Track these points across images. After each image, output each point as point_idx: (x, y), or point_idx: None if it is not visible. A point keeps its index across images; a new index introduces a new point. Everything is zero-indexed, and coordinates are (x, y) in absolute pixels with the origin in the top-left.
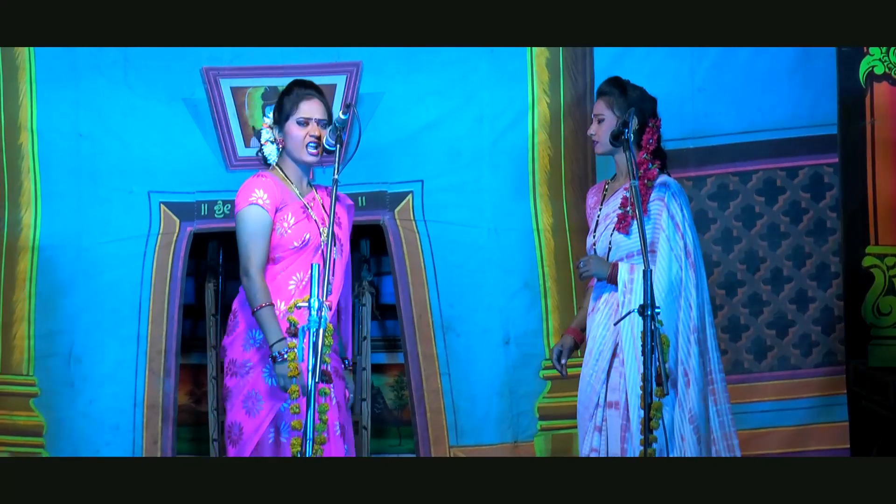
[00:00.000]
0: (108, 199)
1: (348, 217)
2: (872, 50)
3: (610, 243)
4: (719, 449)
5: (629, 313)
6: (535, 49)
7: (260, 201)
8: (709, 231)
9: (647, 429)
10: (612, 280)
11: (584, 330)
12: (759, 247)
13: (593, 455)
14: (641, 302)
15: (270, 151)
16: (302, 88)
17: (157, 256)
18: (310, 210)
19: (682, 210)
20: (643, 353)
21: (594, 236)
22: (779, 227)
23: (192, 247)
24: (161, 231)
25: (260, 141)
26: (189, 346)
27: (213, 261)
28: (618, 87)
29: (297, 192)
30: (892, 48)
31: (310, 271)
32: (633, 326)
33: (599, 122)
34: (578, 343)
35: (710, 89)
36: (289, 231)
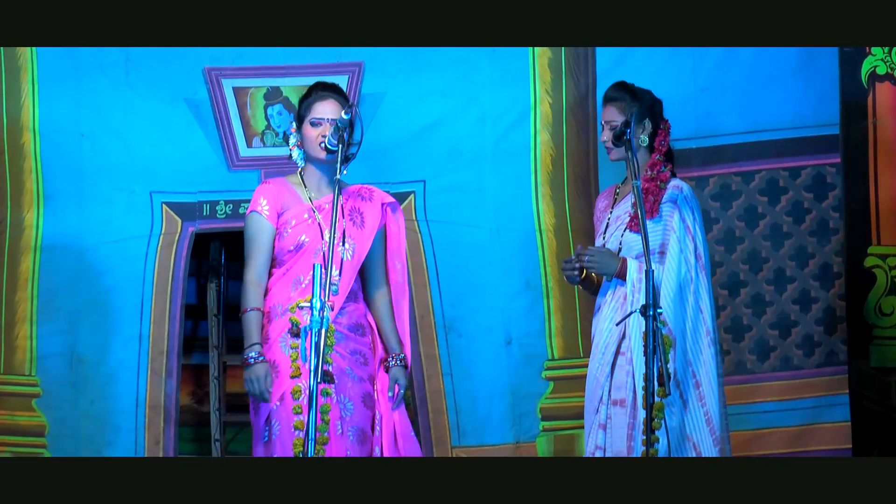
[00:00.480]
0: (109, 199)
1: (381, 216)
2: (875, 50)
3: (620, 243)
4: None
5: (631, 314)
6: (537, 49)
7: (259, 209)
8: (711, 231)
9: (648, 429)
10: (621, 276)
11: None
12: (761, 247)
13: (598, 453)
14: (651, 301)
15: (297, 155)
16: (320, 90)
17: (159, 257)
18: (316, 213)
19: (693, 213)
20: (645, 353)
21: (603, 237)
22: (781, 227)
23: (193, 247)
24: (163, 231)
25: (288, 145)
26: (191, 347)
27: (215, 261)
28: (628, 92)
29: (309, 195)
30: (895, 48)
31: (311, 273)
32: (641, 325)
33: (612, 128)
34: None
35: (712, 89)
36: (286, 235)
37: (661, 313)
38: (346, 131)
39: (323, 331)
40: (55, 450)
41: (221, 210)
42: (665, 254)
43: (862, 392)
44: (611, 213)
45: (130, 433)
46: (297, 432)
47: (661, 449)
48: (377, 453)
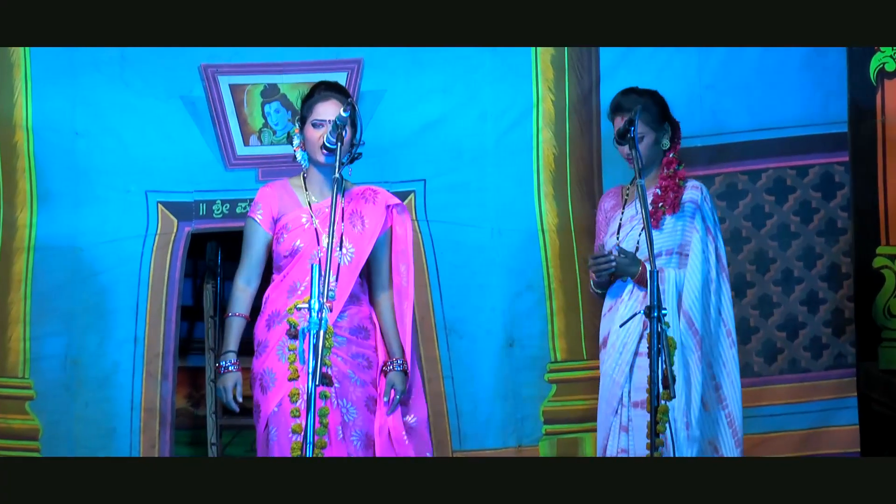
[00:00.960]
0: (104, 198)
1: (385, 219)
2: (883, 47)
3: (638, 242)
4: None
5: (634, 315)
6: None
7: (255, 215)
8: None
9: (653, 432)
10: (641, 282)
11: None
12: (768, 247)
13: (622, 455)
14: (674, 312)
15: (301, 157)
16: (322, 90)
17: (155, 257)
18: (313, 217)
19: (712, 214)
20: (649, 355)
21: (617, 237)
22: (789, 226)
23: (190, 247)
24: (158, 231)
25: (293, 146)
26: (187, 349)
27: (212, 261)
28: (650, 101)
29: (309, 198)
30: None
31: (308, 277)
32: (663, 326)
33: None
34: None
35: (718, 86)
36: (282, 240)
37: (665, 314)
38: (344, 129)
39: (321, 332)
40: (49, 453)
41: (218, 210)
42: (683, 254)
43: (870, 395)
44: (622, 212)
45: (125, 436)
46: (294, 436)
47: (667, 451)
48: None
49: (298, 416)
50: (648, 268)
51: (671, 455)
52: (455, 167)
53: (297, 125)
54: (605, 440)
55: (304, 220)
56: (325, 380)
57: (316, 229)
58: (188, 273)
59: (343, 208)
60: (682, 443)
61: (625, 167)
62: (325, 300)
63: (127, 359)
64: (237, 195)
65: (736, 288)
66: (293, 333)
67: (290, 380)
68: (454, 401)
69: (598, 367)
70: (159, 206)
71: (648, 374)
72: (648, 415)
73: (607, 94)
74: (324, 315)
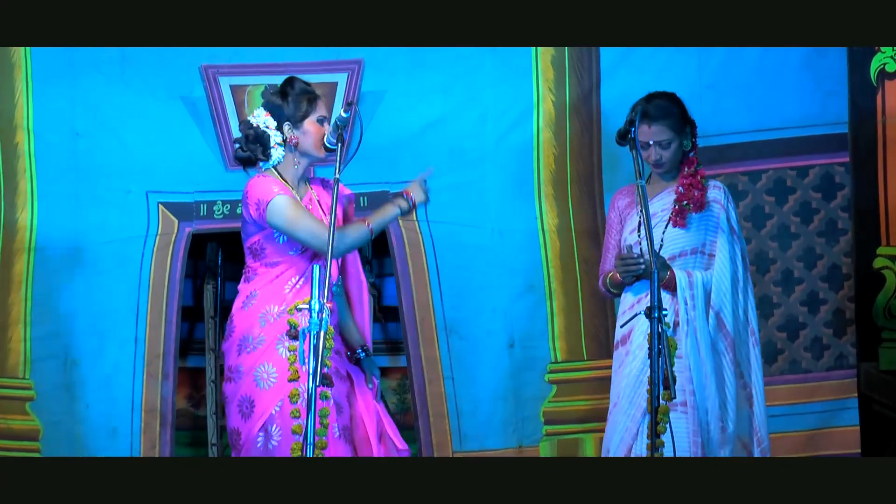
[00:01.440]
0: (105, 199)
1: (349, 209)
2: (883, 48)
3: (662, 239)
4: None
5: (635, 316)
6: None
7: (279, 192)
8: None
9: (654, 433)
10: (669, 287)
11: None
12: (769, 248)
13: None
14: (703, 314)
15: (279, 154)
16: (307, 86)
17: (156, 257)
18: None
19: (735, 213)
20: (650, 356)
21: (638, 235)
22: (789, 227)
23: (190, 248)
24: (159, 232)
25: (270, 143)
26: (187, 349)
27: (212, 262)
28: (673, 104)
29: (296, 194)
30: None
31: (305, 274)
32: (695, 327)
33: (664, 147)
34: None
35: (718, 87)
36: (275, 233)
37: (665, 315)
38: (345, 130)
39: (322, 333)
40: (49, 454)
41: (219, 210)
42: (707, 253)
43: (871, 396)
44: (641, 209)
45: (126, 437)
46: (295, 437)
47: (667, 453)
48: (363, 454)
49: (298, 417)
50: (684, 277)
51: (703, 455)
52: (455, 168)
53: (269, 120)
54: (631, 440)
55: None
56: (326, 381)
57: None
58: (189, 273)
59: (318, 199)
60: (716, 444)
61: (624, 167)
62: (325, 300)
63: (127, 359)
64: (238, 196)
65: None
66: (293, 334)
67: (289, 381)
68: (454, 401)
69: (598, 368)
70: (160, 206)
71: (689, 376)
72: (689, 416)
73: (608, 94)
74: (324, 315)
